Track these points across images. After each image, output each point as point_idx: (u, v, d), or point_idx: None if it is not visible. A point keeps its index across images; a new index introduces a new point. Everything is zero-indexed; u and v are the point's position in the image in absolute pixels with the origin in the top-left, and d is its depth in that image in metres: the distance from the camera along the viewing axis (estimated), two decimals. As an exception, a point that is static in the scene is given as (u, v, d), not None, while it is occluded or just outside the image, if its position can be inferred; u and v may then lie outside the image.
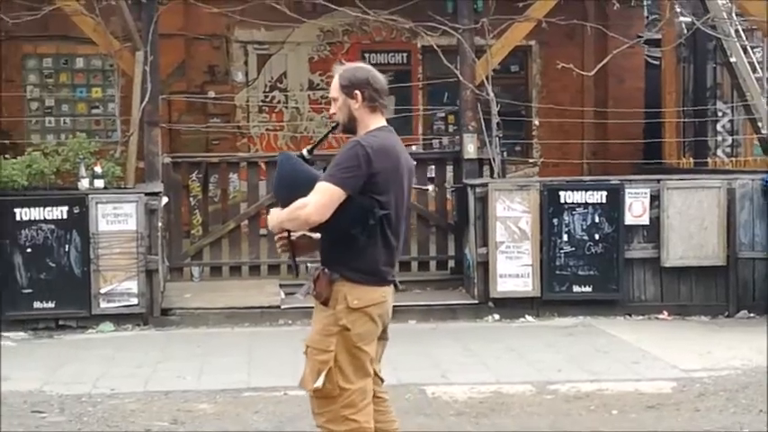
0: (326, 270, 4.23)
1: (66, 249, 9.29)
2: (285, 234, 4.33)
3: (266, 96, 14.01)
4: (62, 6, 10.20)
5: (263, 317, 9.64)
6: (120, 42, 10.36)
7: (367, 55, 14.09)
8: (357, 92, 4.29)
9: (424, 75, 14.07)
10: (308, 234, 4.32)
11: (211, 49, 13.98)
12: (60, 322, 9.41)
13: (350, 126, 4.35)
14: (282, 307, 9.73)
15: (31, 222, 9.24)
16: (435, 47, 10.73)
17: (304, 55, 14.10)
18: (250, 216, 10.72)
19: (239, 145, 13.76)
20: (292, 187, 4.26)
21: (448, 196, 10.98)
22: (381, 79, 4.38)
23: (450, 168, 10.97)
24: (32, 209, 9.24)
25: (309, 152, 4.40)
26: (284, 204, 4.27)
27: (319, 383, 4.18)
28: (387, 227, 4.24)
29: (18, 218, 9.22)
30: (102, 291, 9.34)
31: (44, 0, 10.46)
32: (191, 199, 11.23)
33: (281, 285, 10.22)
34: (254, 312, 9.64)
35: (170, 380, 7.46)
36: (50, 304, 9.31)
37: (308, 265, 4.61)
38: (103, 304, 9.37)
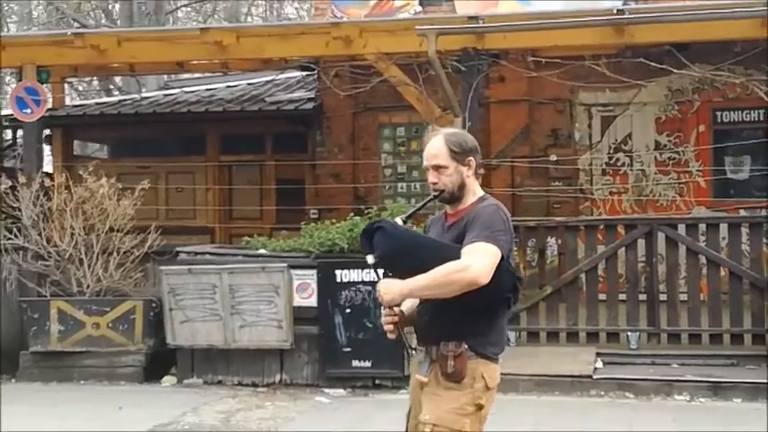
0: (466, 345, 3.95)
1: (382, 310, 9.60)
2: (396, 310, 4.06)
3: (610, 158, 13.63)
4: (389, 78, 10.72)
5: (574, 386, 9.27)
6: (442, 110, 10.68)
7: (719, 113, 13.29)
8: (470, 159, 4.08)
9: (784, 132, 12.96)
10: (401, 309, 4.10)
11: (555, 113, 13.89)
12: (377, 381, 9.73)
13: (459, 194, 4.08)
14: (595, 377, 9.32)
15: (350, 284, 9.71)
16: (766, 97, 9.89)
17: (650, 115, 13.54)
18: (568, 281, 10.40)
19: (582, 208, 13.45)
20: (417, 254, 3.98)
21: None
22: None
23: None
24: (352, 271, 9.70)
25: (404, 222, 4.16)
26: (406, 273, 3.95)
27: None
28: None
29: (339, 279, 9.73)
30: (414, 352, 9.51)
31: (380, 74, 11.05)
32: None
33: (598, 354, 9.83)
34: (565, 381, 9.29)
35: (448, 446, 7.36)
36: (367, 363, 9.68)
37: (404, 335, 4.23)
38: (414, 365, 9.53)
